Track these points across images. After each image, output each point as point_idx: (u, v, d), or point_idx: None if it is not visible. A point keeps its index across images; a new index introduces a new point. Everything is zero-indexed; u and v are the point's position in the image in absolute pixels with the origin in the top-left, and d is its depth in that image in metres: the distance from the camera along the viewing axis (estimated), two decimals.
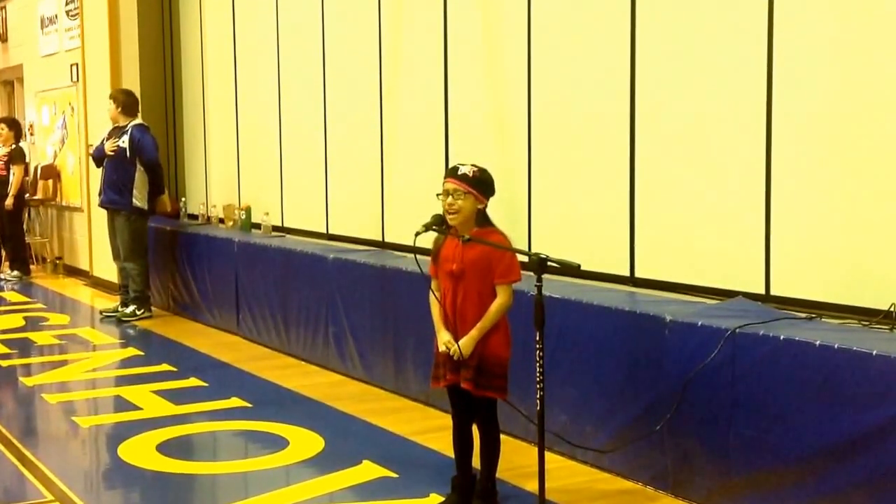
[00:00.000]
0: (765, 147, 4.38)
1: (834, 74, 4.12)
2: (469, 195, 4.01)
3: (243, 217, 8.58)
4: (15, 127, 11.81)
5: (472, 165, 4.08)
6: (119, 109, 8.69)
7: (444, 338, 4.07)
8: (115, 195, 8.64)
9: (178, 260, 9.01)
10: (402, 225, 6.73)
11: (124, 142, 8.59)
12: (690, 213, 4.78)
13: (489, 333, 4.01)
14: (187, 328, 8.52)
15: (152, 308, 9.01)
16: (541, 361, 3.76)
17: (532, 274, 3.78)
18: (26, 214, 12.15)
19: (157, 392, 6.23)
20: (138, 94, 9.61)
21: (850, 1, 4.07)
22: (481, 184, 4.04)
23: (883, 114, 3.94)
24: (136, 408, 5.88)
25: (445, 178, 4.08)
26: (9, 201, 11.28)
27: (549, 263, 3.77)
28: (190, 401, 6.03)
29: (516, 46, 5.71)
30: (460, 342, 3.99)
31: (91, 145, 9.23)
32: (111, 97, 8.82)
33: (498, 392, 4.07)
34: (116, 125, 8.73)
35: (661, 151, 4.93)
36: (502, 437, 4.24)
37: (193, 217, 9.64)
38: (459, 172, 4.04)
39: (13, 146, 11.53)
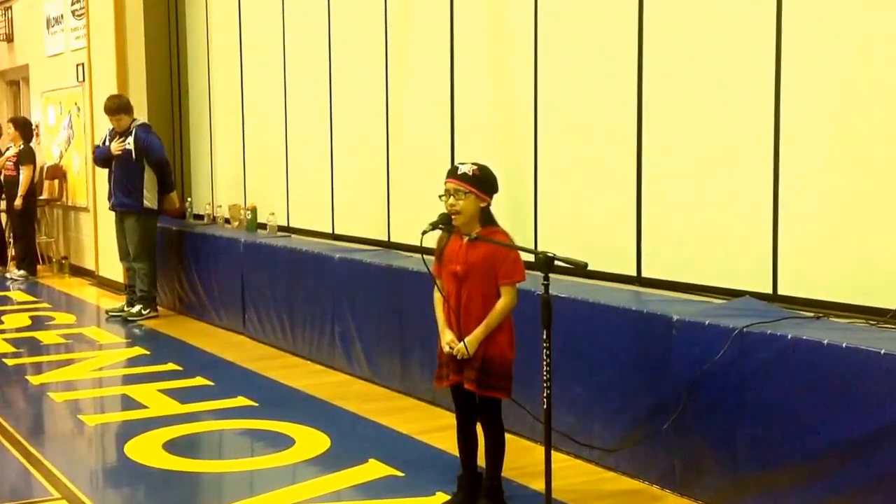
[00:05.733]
0: (772, 147, 4.38)
1: (842, 73, 4.11)
2: (470, 195, 4.00)
3: (249, 217, 8.59)
4: (23, 127, 11.80)
5: (473, 164, 4.07)
6: (128, 115, 8.68)
7: (447, 338, 4.07)
8: (125, 198, 8.64)
9: (185, 260, 9.02)
10: (408, 224, 6.73)
11: (129, 143, 8.59)
12: (697, 212, 4.78)
13: (493, 333, 4.00)
14: (193, 328, 8.53)
15: (158, 308, 9.02)
16: (548, 360, 3.76)
17: (539, 273, 3.78)
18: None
19: (164, 391, 6.24)
20: (144, 94, 9.67)
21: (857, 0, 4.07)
22: (482, 182, 4.03)
23: (890, 113, 3.93)
24: (143, 406, 5.89)
25: (446, 178, 4.07)
26: (17, 201, 11.30)
27: (556, 262, 3.77)
28: (196, 400, 6.03)
29: (523, 45, 5.71)
30: (465, 340, 3.99)
31: (97, 146, 9.24)
32: (117, 112, 8.61)
33: (502, 392, 4.07)
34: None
35: (668, 151, 4.92)
36: (508, 436, 4.24)
37: (199, 217, 9.65)
38: (459, 172, 4.03)
39: (22, 146, 11.54)
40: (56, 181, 12.05)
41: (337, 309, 6.73)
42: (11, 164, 11.48)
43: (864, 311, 4.03)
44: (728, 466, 4.03)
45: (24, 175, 11.36)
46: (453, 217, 4.03)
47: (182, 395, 6.12)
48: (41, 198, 12.13)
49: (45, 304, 9.92)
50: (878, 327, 3.89)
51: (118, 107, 8.73)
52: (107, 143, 8.79)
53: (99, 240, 10.64)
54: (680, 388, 4.18)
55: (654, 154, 4.99)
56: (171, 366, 6.97)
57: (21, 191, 11.32)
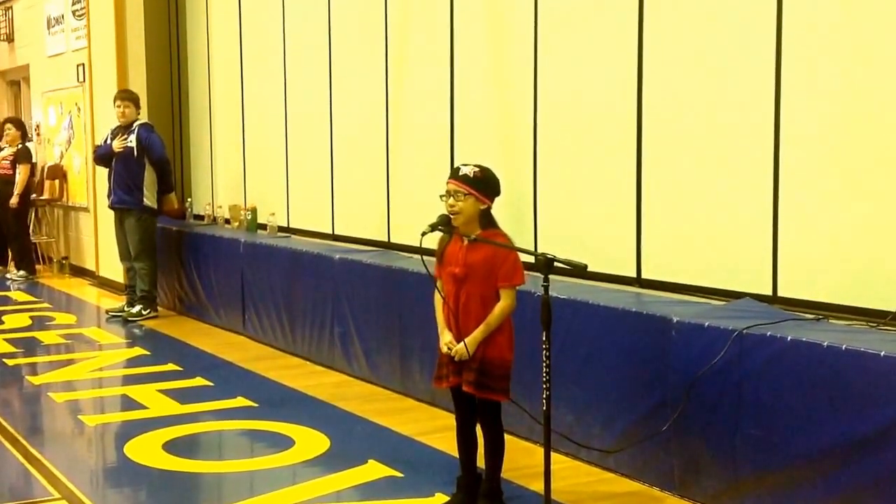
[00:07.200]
0: (773, 148, 4.38)
1: (842, 75, 4.11)
2: (470, 196, 4.00)
3: (249, 218, 8.60)
4: (21, 127, 11.87)
5: (475, 166, 4.07)
6: (135, 109, 8.73)
7: (445, 339, 4.08)
8: (125, 195, 8.66)
9: (185, 260, 9.03)
10: (408, 225, 6.73)
11: (131, 141, 8.62)
12: (697, 213, 4.78)
13: (493, 335, 4.00)
14: (193, 328, 8.53)
15: (158, 308, 9.03)
16: (547, 362, 3.76)
17: (539, 274, 3.78)
18: (33, 214, 12.19)
19: (164, 391, 6.24)
20: (144, 95, 9.65)
21: (858, 2, 4.07)
22: (483, 184, 4.03)
23: (891, 114, 3.94)
24: (143, 407, 5.89)
25: (448, 178, 4.08)
26: (14, 200, 11.32)
27: (556, 264, 3.77)
28: (196, 400, 6.04)
29: (522, 47, 5.71)
30: (464, 341, 3.99)
31: (98, 146, 9.25)
32: (127, 99, 8.75)
33: (500, 394, 4.06)
34: (120, 125, 8.75)
35: (668, 152, 4.92)
36: (508, 437, 4.24)
37: (199, 217, 9.66)
38: (460, 173, 4.04)
39: (19, 146, 11.57)
40: (56, 181, 12.06)
41: (337, 309, 6.74)
42: (8, 163, 11.50)
43: (865, 312, 4.03)
44: (727, 468, 4.03)
45: (22, 174, 11.38)
46: (453, 218, 4.03)
47: (182, 396, 6.12)
48: (42, 198, 12.15)
49: (45, 305, 9.92)
50: (879, 329, 3.89)
51: (128, 96, 8.82)
52: (108, 141, 8.81)
53: (99, 240, 10.65)
54: (679, 390, 4.18)
55: (654, 155, 4.99)
56: (171, 366, 6.97)
57: (18, 189, 11.35)
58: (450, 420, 4.33)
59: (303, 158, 8.18)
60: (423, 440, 5.17)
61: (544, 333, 3.75)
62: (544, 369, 3.76)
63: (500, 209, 4.22)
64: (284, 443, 5.14)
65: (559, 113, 5.54)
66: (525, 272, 4.09)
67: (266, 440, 5.26)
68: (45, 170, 12.18)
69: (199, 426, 5.54)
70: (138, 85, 9.76)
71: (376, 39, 7.03)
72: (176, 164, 10.15)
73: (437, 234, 4.14)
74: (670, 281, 4.92)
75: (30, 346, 7.80)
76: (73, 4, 11.21)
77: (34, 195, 11.97)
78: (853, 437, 3.55)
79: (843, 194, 4.12)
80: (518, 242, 4.22)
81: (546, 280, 3.74)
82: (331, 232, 7.79)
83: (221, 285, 8.41)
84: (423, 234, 3.98)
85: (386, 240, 7.06)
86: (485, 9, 6.05)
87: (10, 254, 11.93)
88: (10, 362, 7.21)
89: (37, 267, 11.87)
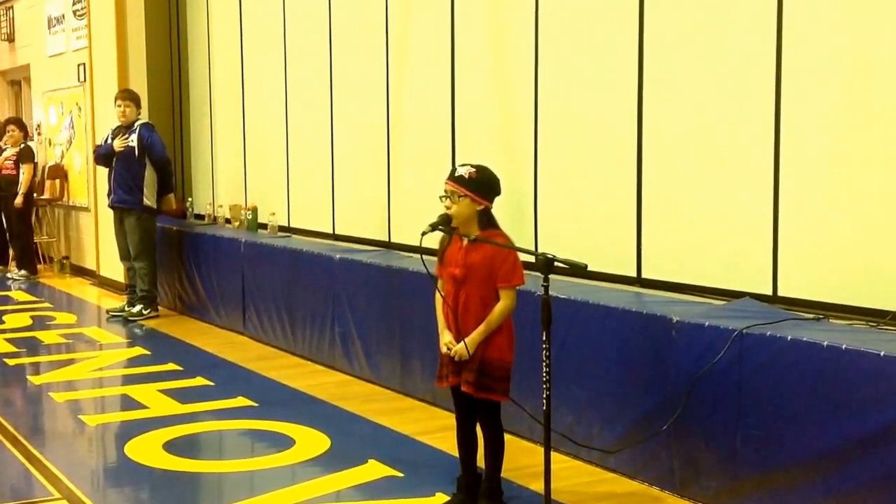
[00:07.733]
0: (773, 147, 4.38)
1: (842, 76, 4.11)
2: (465, 198, 3.98)
3: (250, 217, 8.60)
4: (24, 128, 11.89)
5: (472, 166, 4.05)
6: (136, 108, 8.75)
7: (445, 339, 4.07)
8: (125, 195, 8.66)
9: (185, 260, 9.03)
10: (409, 225, 6.73)
11: (133, 140, 8.62)
12: (697, 213, 4.78)
13: (493, 335, 4.00)
14: (194, 328, 8.53)
15: (159, 308, 9.03)
16: (547, 361, 3.76)
17: (539, 274, 3.78)
18: (33, 214, 12.19)
19: (164, 391, 6.24)
20: (145, 94, 9.66)
21: (858, 4, 4.07)
22: (478, 185, 4.01)
23: (891, 115, 3.93)
24: (143, 406, 5.89)
25: (446, 180, 4.08)
26: (18, 199, 11.34)
27: (556, 263, 3.77)
28: (196, 400, 6.04)
29: (523, 46, 5.71)
30: (465, 341, 3.98)
31: (98, 145, 9.26)
32: (127, 99, 8.78)
33: (499, 395, 4.06)
34: (120, 125, 8.76)
35: (668, 151, 4.92)
36: (508, 436, 4.24)
37: (200, 217, 9.66)
38: (456, 174, 4.03)
39: (22, 145, 11.59)
40: (57, 181, 12.07)
41: (337, 309, 6.74)
42: (11, 163, 11.51)
43: (865, 312, 4.03)
44: (727, 467, 4.03)
45: (26, 173, 11.40)
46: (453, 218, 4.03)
47: (182, 395, 6.12)
48: (42, 197, 12.16)
49: (45, 304, 9.92)
50: (879, 329, 3.89)
51: (128, 96, 8.84)
52: (108, 141, 8.81)
53: (100, 240, 10.65)
54: (680, 390, 4.18)
55: (654, 155, 4.99)
56: (171, 366, 6.97)
57: (22, 189, 11.36)
58: (450, 420, 4.33)
59: (303, 158, 8.18)
60: (424, 440, 5.17)
61: (544, 333, 3.75)
62: (544, 369, 3.76)
63: (501, 209, 4.22)
64: (284, 443, 5.14)
65: (560, 113, 5.54)
66: (525, 272, 4.09)
67: (266, 440, 5.26)
68: (46, 169, 12.19)
69: (200, 426, 5.54)
70: (138, 84, 9.76)
71: (377, 39, 7.03)
72: (176, 163, 10.15)
73: (438, 234, 4.14)
74: (670, 281, 4.92)
75: (31, 346, 7.80)
76: (74, 4, 11.22)
77: (35, 194, 11.97)
78: (853, 437, 3.55)
79: (843, 194, 4.12)
80: (518, 242, 4.22)
81: (546, 280, 3.74)
82: (331, 232, 7.80)
83: (222, 285, 8.41)
84: (424, 233, 3.98)
85: (386, 239, 7.06)
86: (486, 8, 6.05)
87: (11, 253, 11.94)
88: (10, 362, 7.21)
89: (38, 266, 11.87)
